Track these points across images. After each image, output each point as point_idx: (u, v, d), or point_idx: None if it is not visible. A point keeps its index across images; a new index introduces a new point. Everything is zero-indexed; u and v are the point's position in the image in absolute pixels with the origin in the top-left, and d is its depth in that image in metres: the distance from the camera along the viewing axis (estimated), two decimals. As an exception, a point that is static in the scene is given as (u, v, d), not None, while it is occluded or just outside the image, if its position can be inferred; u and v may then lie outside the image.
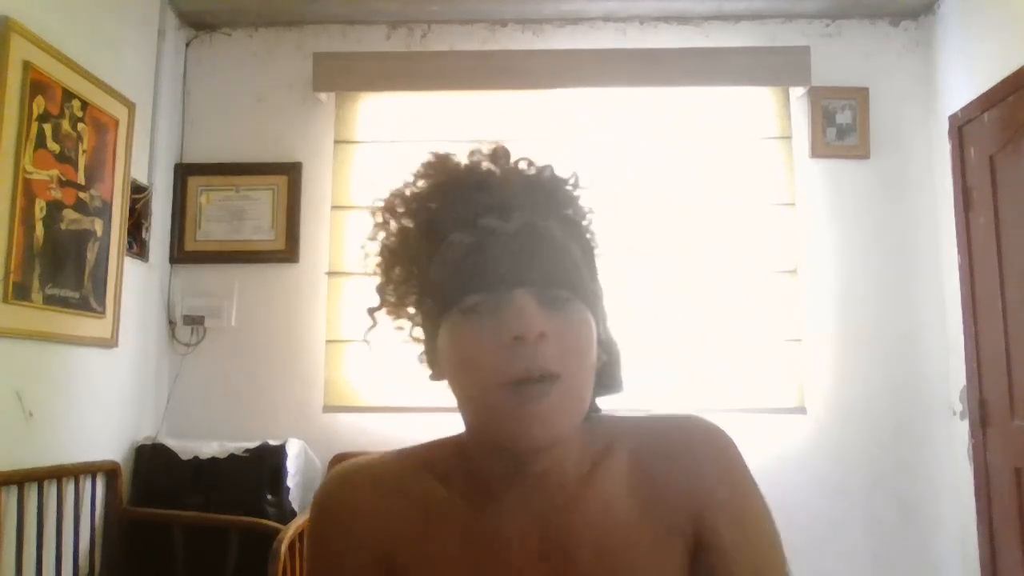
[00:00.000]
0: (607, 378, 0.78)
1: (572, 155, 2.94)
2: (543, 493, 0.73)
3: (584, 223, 0.77)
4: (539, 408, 0.66)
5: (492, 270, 0.68)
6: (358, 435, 2.94)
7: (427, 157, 0.77)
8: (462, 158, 0.76)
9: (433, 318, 0.73)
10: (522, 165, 0.76)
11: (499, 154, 0.76)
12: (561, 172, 0.77)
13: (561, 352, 0.67)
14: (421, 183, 0.76)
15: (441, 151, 0.77)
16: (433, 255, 0.72)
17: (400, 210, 0.76)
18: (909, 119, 3.08)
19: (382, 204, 0.77)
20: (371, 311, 0.79)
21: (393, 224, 0.76)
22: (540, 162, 0.76)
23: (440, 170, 0.75)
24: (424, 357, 0.78)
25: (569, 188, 0.76)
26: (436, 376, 0.76)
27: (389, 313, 0.78)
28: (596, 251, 0.78)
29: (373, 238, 0.77)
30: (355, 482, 0.77)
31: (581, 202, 0.77)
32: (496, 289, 0.68)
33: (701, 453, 0.75)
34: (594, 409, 0.79)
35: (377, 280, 0.78)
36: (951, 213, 2.89)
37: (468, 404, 0.71)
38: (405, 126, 3.17)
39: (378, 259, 0.77)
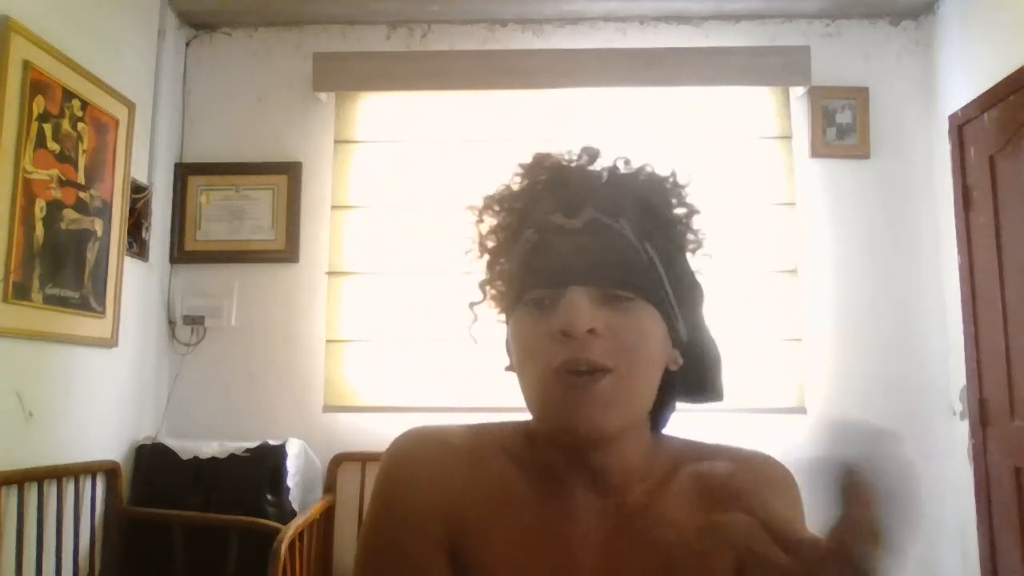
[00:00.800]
0: (698, 384, 0.78)
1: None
2: (607, 493, 0.73)
3: (682, 223, 0.77)
4: (585, 397, 0.67)
5: (552, 266, 0.70)
6: (358, 435, 2.94)
7: (528, 157, 0.78)
8: (558, 157, 0.77)
9: (507, 311, 0.76)
10: (618, 163, 0.77)
11: (589, 153, 0.77)
12: (658, 170, 0.77)
13: (615, 348, 0.68)
14: (516, 182, 0.78)
15: (542, 151, 0.78)
16: (512, 251, 0.75)
17: (496, 208, 0.78)
18: (909, 119, 3.08)
19: (481, 204, 0.79)
20: (472, 305, 0.80)
21: (489, 222, 0.79)
22: (638, 161, 0.77)
23: (535, 169, 0.77)
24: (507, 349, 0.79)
25: (668, 187, 0.77)
26: (510, 367, 0.77)
27: (493, 307, 0.80)
28: (695, 252, 0.78)
29: (475, 237, 0.80)
30: (430, 444, 0.76)
31: (681, 200, 0.77)
32: (555, 285, 0.70)
33: (767, 488, 0.74)
34: (667, 419, 0.79)
35: (480, 276, 0.80)
36: (951, 213, 2.89)
37: (527, 393, 0.73)
38: (405, 126, 3.17)
39: (479, 256, 0.79)
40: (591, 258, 0.70)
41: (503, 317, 0.79)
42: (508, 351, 0.77)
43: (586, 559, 0.72)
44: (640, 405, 0.72)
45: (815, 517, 0.77)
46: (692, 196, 0.78)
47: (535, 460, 0.75)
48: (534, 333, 0.70)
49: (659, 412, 0.77)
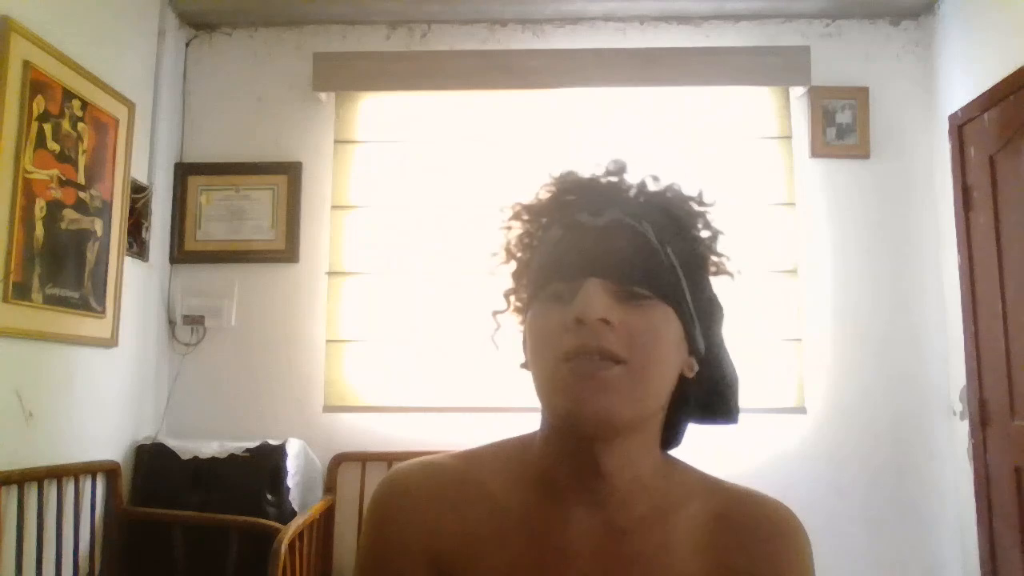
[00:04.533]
0: (712, 402, 0.78)
1: (572, 155, 2.94)
2: (608, 507, 0.72)
3: (705, 243, 0.78)
4: (593, 383, 0.67)
5: (573, 259, 0.71)
6: (358, 435, 2.94)
7: (554, 172, 0.80)
8: (587, 172, 0.79)
9: (525, 307, 0.77)
10: (647, 180, 0.78)
11: (618, 165, 0.78)
12: (685, 189, 0.79)
13: (628, 342, 0.68)
14: (544, 193, 0.79)
15: (568, 168, 0.80)
16: (535, 253, 0.76)
17: (525, 217, 0.80)
18: (909, 119, 3.08)
19: (511, 212, 0.81)
20: (495, 314, 0.81)
21: (517, 230, 0.80)
22: (666, 179, 0.79)
23: (563, 181, 0.79)
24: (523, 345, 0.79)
25: (693, 205, 0.78)
26: (524, 363, 0.77)
27: (515, 315, 0.81)
28: (718, 273, 0.79)
29: (502, 244, 0.81)
30: (409, 485, 0.77)
31: (704, 222, 0.78)
32: (574, 278, 0.70)
33: (778, 539, 0.74)
34: (680, 436, 0.79)
35: (507, 285, 0.81)
36: (951, 213, 2.89)
37: (538, 384, 0.72)
38: (405, 126, 3.17)
39: (505, 260, 0.81)
40: (611, 253, 0.71)
41: (521, 322, 0.80)
42: (524, 347, 0.78)
43: (581, 574, 0.71)
44: (650, 402, 0.71)
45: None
46: (716, 219, 0.79)
47: (536, 478, 0.75)
48: (549, 323, 0.70)
49: (673, 427, 0.78)
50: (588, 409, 0.67)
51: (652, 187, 0.78)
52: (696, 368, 0.75)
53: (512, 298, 0.80)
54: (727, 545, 0.73)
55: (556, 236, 0.74)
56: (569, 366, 0.68)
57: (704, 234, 0.78)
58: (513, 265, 0.81)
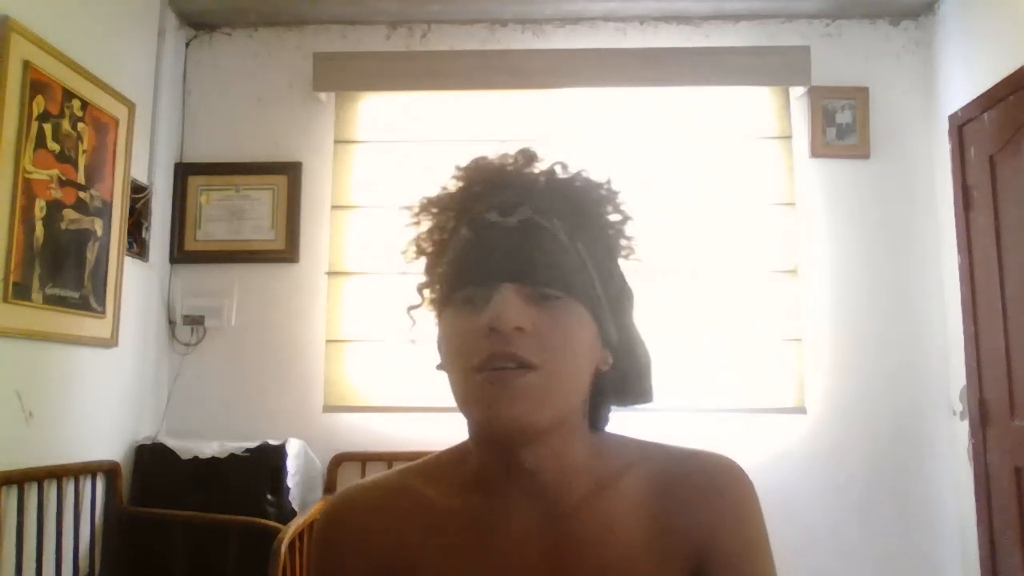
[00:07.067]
0: (630, 387, 0.78)
1: (572, 155, 2.93)
2: (544, 498, 0.73)
3: (614, 228, 0.78)
4: (505, 392, 0.67)
5: (484, 264, 0.71)
6: (358, 435, 2.94)
7: (464, 161, 0.79)
8: (497, 160, 0.78)
9: (439, 310, 0.76)
10: (556, 168, 0.77)
11: (527, 156, 0.77)
12: (594, 177, 0.78)
13: (541, 346, 0.68)
14: (453, 185, 0.79)
15: (478, 155, 0.79)
16: (446, 250, 0.75)
17: (434, 211, 0.79)
18: (909, 119, 3.08)
19: (418, 207, 0.80)
20: (410, 309, 0.81)
21: (425, 224, 0.79)
22: (574, 167, 0.78)
23: (471, 172, 0.78)
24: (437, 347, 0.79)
25: (603, 193, 0.77)
26: (440, 365, 0.77)
27: (431, 310, 0.80)
28: (628, 257, 0.79)
29: (411, 239, 0.80)
30: (353, 506, 0.78)
31: (614, 207, 0.78)
32: (486, 282, 0.70)
33: (718, 492, 0.74)
34: (605, 420, 0.80)
35: (420, 279, 0.80)
36: (951, 213, 2.89)
37: (454, 390, 0.73)
38: (405, 126, 3.17)
39: (415, 256, 0.80)
40: (522, 256, 0.70)
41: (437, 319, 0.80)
42: (439, 350, 0.78)
43: (525, 567, 0.72)
44: (566, 403, 0.71)
45: (774, 516, 0.77)
46: (625, 204, 0.78)
47: (473, 480, 0.76)
48: (463, 330, 0.70)
49: (595, 413, 0.78)
50: (502, 418, 0.67)
51: (561, 175, 0.77)
52: (611, 361, 0.76)
53: (427, 292, 0.80)
54: (666, 507, 0.74)
55: (466, 237, 0.73)
56: (482, 376, 0.68)
57: (614, 218, 0.77)
58: (424, 261, 0.80)
